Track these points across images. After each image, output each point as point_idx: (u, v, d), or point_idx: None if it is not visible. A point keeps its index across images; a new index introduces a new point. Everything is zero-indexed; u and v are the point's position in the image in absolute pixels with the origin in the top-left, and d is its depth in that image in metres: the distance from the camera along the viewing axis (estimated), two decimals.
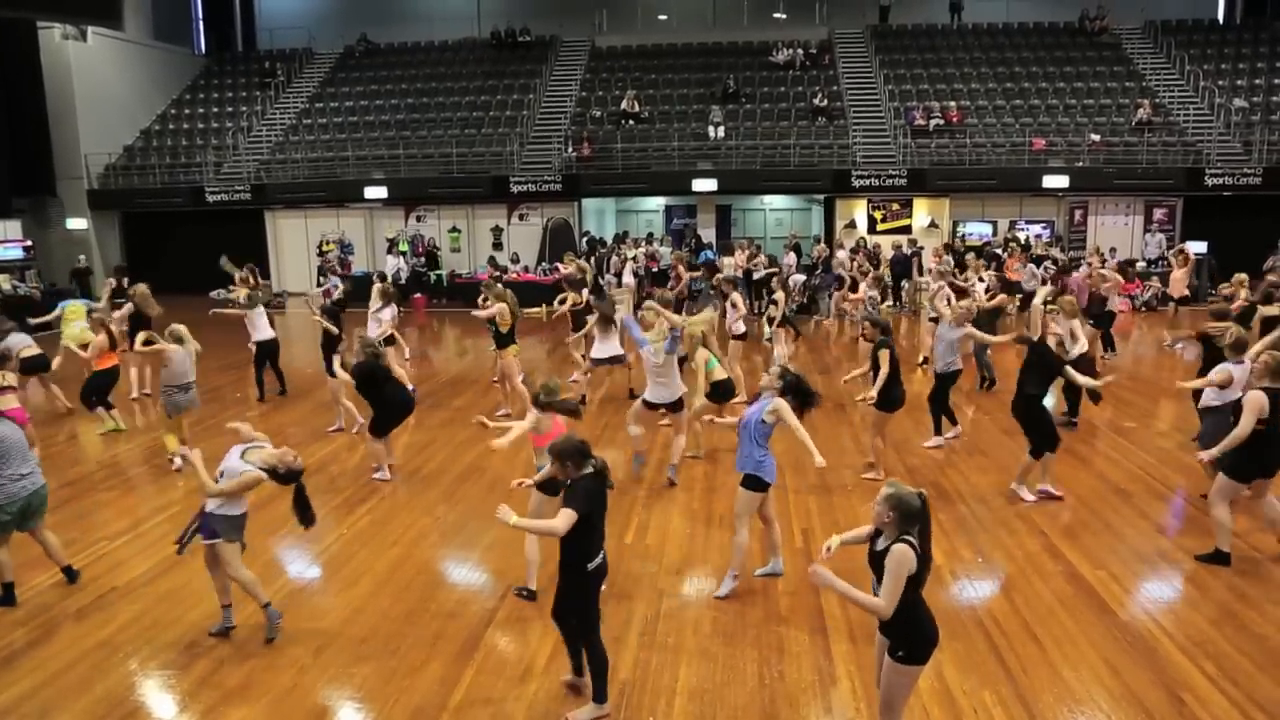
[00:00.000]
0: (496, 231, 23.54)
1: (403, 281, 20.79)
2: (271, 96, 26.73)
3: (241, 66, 29.07)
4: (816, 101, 23.56)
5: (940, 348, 9.14)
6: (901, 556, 3.70)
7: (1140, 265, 20.41)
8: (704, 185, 22.01)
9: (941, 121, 22.55)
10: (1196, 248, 20.02)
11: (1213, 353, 7.99)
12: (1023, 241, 19.91)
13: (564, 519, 4.33)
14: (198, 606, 5.95)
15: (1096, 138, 21.43)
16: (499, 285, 11.73)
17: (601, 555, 4.61)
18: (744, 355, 12.01)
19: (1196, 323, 10.95)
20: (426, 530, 7.34)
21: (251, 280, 13.68)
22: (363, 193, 22.89)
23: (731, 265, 19.43)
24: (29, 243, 21.82)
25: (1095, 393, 7.60)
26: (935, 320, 10.09)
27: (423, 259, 22.74)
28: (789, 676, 5.05)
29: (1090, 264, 14.21)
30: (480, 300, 11.14)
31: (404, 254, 22.41)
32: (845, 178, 21.48)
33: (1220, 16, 27.47)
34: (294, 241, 23.95)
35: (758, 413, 5.84)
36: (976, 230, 21.79)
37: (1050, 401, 7.63)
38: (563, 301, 12.38)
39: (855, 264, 18.08)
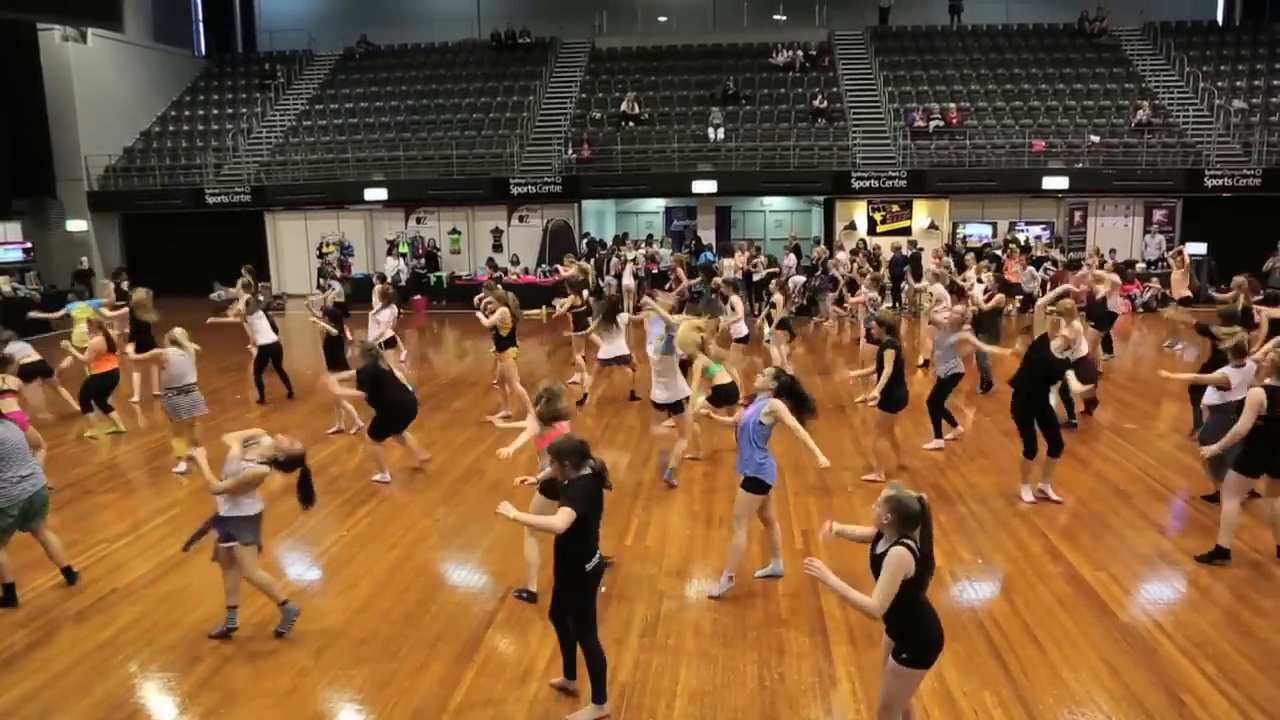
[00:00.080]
0: (496, 233, 23.55)
1: (403, 283, 20.80)
2: (271, 98, 26.74)
3: (241, 68, 29.08)
4: (816, 103, 23.58)
5: (939, 352, 9.14)
6: (898, 559, 3.70)
7: (1140, 266, 20.45)
8: (704, 187, 22.03)
9: (941, 123, 22.57)
10: (1196, 249, 20.08)
11: (1218, 353, 8.01)
12: (1022, 243, 19.92)
13: (563, 517, 4.34)
14: (198, 609, 5.96)
15: (1096, 139, 21.44)
16: (499, 287, 11.76)
17: (598, 555, 4.61)
18: (745, 357, 12.03)
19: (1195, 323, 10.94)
20: (426, 532, 7.34)
21: (251, 285, 13.68)
22: (363, 194, 22.91)
23: (731, 267, 19.43)
24: (29, 244, 21.82)
25: (1091, 401, 7.64)
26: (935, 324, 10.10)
27: (423, 261, 22.76)
28: (789, 678, 5.05)
29: (1089, 265, 14.24)
30: (480, 301, 11.14)
31: (404, 256, 22.42)
32: (845, 179, 21.50)
33: (1220, 18, 27.51)
34: (294, 243, 23.96)
35: (755, 415, 5.84)
36: (976, 231, 21.81)
37: (1051, 399, 7.62)
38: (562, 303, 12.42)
39: (855, 265, 18.10)
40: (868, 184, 21.44)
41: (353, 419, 10.03)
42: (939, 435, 9.30)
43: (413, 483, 8.60)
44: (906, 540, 3.74)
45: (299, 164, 23.77)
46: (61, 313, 12.42)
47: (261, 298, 12.47)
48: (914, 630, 3.82)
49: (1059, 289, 8.51)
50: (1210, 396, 7.30)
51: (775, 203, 25.53)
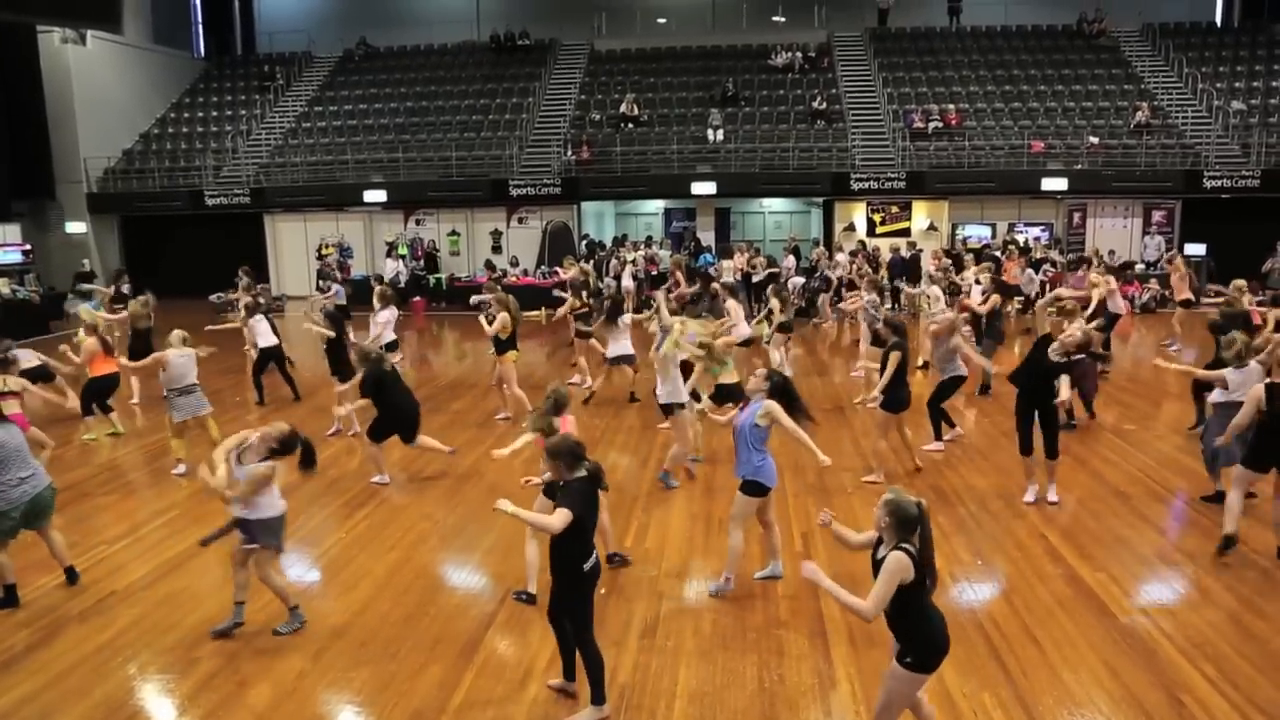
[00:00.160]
0: (496, 235, 23.56)
1: (402, 285, 20.81)
2: (271, 100, 26.75)
3: (241, 70, 29.09)
4: (815, 104, 23.59)
5: (938, 355, 9.15)
6: (897, 563, 3.71)
7: (1139, 268, 20.46)
8: (703, 188, 22.04)
9: (940, 124, 22.59)
10: (1195, 250, 20.09)
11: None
12: (1021, 244, 19.93)
13: (560, 517, 4.34)
14: (197, 610, 5.96)
15: (1095, 140, 21.46)
16: (500, 289, 11.76)
17: (594, 556, 4.61)
18: (745, 360, 12.03)
19: (1196, 325, 10.97)
20: (426, 534, 7.34)
21: (251, 287, 13.70)
22: (362, 196, 22.91)
23: (731, 268, 19.44)
24: (28, 246, 21.83)
25: (1089, 403, 7.62)
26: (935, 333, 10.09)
27: (422, 262, 22.76)
28: (789, 680, 5.05)
29: (1097, 265, 14.22)
30: (479, 304, 11.15)
31: (403, 257, 22.43)
32: (844, 180, 21.51)
33: (1218, 19, 27.53)
34: (293, 245, 23.97)
35: (750, 417, 5.84)
36: (975, 233, 21.82)
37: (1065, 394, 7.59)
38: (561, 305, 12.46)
39: (854, 267, 18.10)
40: (867, 185, 21.45)
41: (351, 422, 10.02)
42: (939, 437, 9.31)
43: (412, 484, 8.60)
44: (905, 545, 3.75)
45: (298, 166, 23.77)
46: (75, 310, 12.40)
47: (262, 300, 12.48)
48: (918, 634, 3.82)
49: (1053, 293, 8.53)
50: (1216, 394, 7.40)
51: (774, 204, 25.54)
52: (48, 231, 23.71)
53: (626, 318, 11.09)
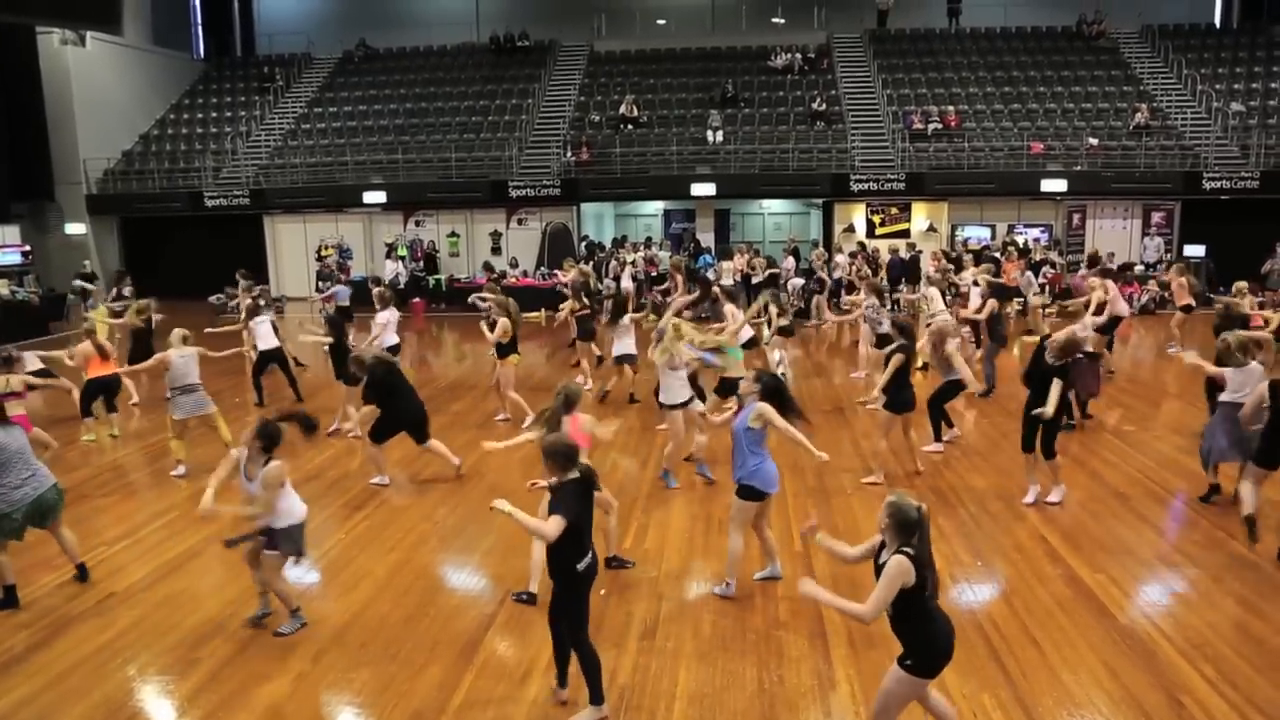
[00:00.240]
0: (495, 236, 23.56)
1: (401, 286, 20.81)
2: (270, 101, 26.75)
3: (240, 71, 29.10)
4: (815, 106, 23.61)
5: (935, 359, 9.16)
6: (897, 567, 3.72)
7: (1139, 269, 20.46)
8: (703, 189, 22.05)
9: (939, 125, 22.60)
10: (1195, 251, 20.10)
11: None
12: (1021, 245, 19.94)
13: (554, 525, 4.34)
14: (196, 612, 5.96)
15: (1094, 141, 21.47)
16: (499, 290, 11.77)
17: (590, 556, 4.61)
18: (746, 361, 12.02)
19: (1197, 329, 10.97)
20: (425, 535, 7.34)
21: (251, 288, 13.70)
22: (361, 197, 22.92)
23: (730, 269, 19.46)
24: (28, 248, 21.83)
25: (1085, 405, 7.63)
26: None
27: (421, 263, 22.76)
28: (788, 681, 5.05)
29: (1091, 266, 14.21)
30: (481, 304, 11.17)
31: (403, 259, 22.43)
32: (844, 182, 21.52)
33: (1217, 20, 27.57)
34: (293, 246, 23.97)
35: (744, 420, 5.84)
36: (975, 234, 21.83)
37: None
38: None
39: (854, 268, 18.11)
40: (866, 186, 21.46)
41: (349, 418, 10.02)
42: (938, 438, 9.32)
43: (412, 486, 8.60)
44: (906, 549, 3.76)
45: (298, 167, 23.78)
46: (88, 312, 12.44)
47: (263, 301, 12.47)
48: (920, 638, 3.82)
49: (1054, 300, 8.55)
50: (1224, 394, 7.47)
51: (774, 205, 25.56)
52: (47, 233, 23.70)
53: (627, 318, 11.16)
